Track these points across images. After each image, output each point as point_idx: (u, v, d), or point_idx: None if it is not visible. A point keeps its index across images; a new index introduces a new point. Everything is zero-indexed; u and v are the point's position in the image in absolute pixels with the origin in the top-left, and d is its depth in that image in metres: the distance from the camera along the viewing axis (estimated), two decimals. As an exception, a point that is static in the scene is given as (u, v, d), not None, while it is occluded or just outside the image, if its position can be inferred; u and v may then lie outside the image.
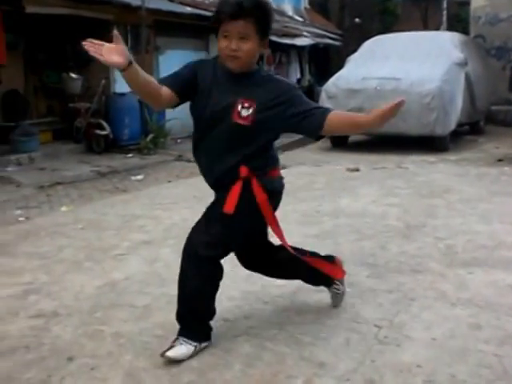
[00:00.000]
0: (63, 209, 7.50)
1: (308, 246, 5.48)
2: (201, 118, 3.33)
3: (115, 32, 2.93)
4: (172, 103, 3.24)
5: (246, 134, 3.26)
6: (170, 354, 3.40)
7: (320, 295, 4.38)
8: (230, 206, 3.32)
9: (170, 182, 9.41)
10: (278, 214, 5.93)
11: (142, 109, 12.28)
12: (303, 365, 3.42)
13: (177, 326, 3.60)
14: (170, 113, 12.79)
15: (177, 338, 3.50)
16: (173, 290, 4.47)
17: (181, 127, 13.41)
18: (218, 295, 3.88)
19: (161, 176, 10.01)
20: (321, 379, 3.26)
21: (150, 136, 12.12)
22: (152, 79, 3.16)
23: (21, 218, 7.08)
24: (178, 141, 13.35)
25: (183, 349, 3.44)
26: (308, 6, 26.03)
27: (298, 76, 17.83)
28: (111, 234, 6.11)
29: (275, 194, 3.52)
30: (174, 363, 3.41)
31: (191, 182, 9.17)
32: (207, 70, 3.29)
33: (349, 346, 3.65)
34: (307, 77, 18.18)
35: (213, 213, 3.49)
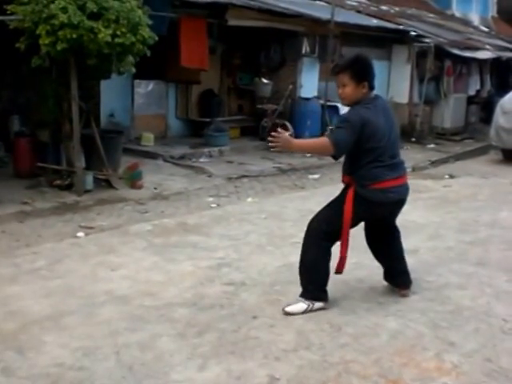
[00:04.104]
0: (249, 200, 8.67)
1: (460, 250, 6.29)
2: None
3: (279, 130, 4.39)
4: None
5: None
6: (287, 309, 4.68)
7: (462, 292, 5.19)
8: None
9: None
10: (438, 220, 6.88)
11: (323, 112, 13.29)
12: (437, 342, 4.30)
13: (335, 300, 4.77)
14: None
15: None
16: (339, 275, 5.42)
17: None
18: (375, 283, 4.89)
19: (336, 176, 10.87)
20: (449, 354, 4.13)
21: (329, 138, 13.07)
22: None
23: (213, 205, 8.31)
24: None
25: (298, 306, 4.67)
26: (496, 15, 25.80)
27: (478, 87, 17.85)
28: (289, 225, 7.14)
29: (367, 202, 4.59)
30: (336, 328, 4.41)
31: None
32: None
33: (477, 332, 4.47)
34: (487, 88, 18.17)
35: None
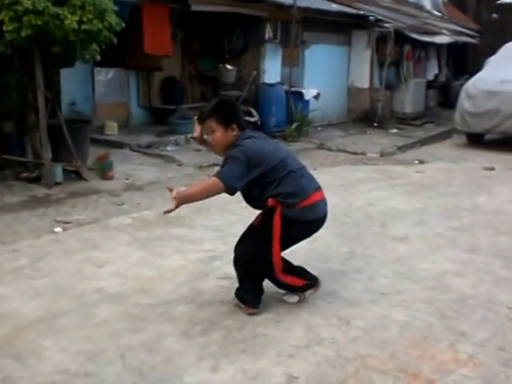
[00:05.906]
0: (225, 189, 8.45)
1: (449, 237, 6.22)
2: None
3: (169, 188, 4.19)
4: None
5: None
6: (284, 297, 4.66)
7: (461, 280, 5.12)
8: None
9: (315, 169, 10.18)
10: (420, 206, 6.80)
11: (288, 99, 13.12)
12: (448, 332, 4.21)
13: (337, 292, 4.76)
14: (313, 104, 13.63)
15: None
16: (334, 265, 5.31)
17: (322, 117, 14.23)
18: (373, 273, 4.80)
19: (306, 163, 10.69)
20: (462, 344, 4.04)
21: (295, 124, 12.92)
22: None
23: (189, 195, 8.07)
24: (319, 129, 14.16)
25: (291, 298, 4.64)
26: (446, 0, 26.04)
27: (436, 72, 17.99)
28: (273, 214, 6.94)
29: (301, 223, 4.34)
30: (344, 322, 4.30)
31: (335, 171, 9.99)
32: None
33: (485, 321, 4.41)
34: (444, 72, 18.37)
35: None
